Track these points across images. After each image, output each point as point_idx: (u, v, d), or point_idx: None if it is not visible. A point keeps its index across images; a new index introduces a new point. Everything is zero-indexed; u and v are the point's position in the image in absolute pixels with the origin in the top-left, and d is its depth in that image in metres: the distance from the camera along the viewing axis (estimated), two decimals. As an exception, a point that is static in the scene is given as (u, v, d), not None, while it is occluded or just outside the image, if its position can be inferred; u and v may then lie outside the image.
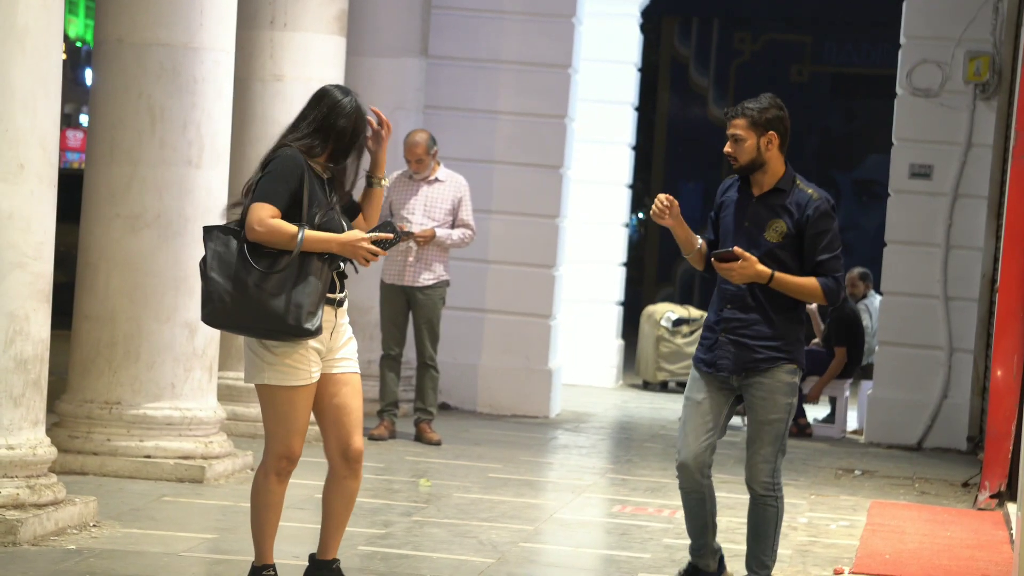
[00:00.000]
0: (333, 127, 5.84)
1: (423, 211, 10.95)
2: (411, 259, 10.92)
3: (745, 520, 6.58)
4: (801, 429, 13.22)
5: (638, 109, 16.52)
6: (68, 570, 6.55)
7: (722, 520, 7.04)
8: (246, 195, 5.84)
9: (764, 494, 6.40)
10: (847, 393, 13.77)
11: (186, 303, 8.75)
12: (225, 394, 10.05)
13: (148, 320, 8.70)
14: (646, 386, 16.41)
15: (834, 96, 25.58)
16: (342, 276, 5.89)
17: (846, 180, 25.80)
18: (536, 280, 13.31)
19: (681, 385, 16.34)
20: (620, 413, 14.35)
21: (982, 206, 13.02)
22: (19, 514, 6.94)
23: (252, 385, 5.90)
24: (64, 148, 31.45)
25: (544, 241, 13.34)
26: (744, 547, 6.62)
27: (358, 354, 6.02)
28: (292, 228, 5.68)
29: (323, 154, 5.86)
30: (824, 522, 9.04)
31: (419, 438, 11.11)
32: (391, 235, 5.80)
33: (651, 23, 19.72)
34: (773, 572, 6.57)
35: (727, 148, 6.28)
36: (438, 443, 11.04)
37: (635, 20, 16.15)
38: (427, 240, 10.84)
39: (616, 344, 16.22)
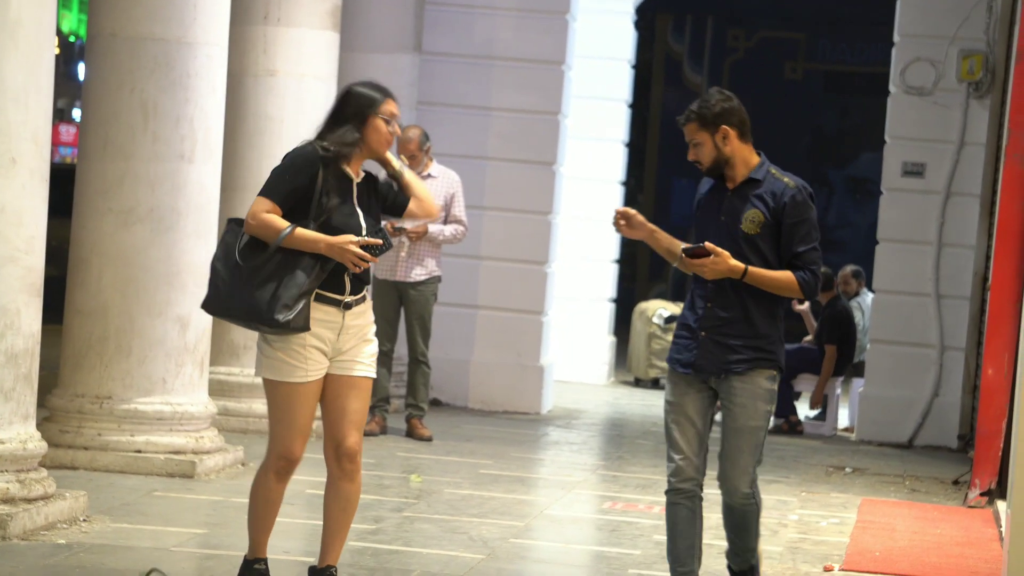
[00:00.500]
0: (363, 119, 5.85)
1: (416, 207, 10.94)
2: (403, 255, 10.92)
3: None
4: (792, 426, 13.23)
5: (632, 106, 16.52)
6: (58, 564, 6.55)
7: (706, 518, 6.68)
8: None
9: (744, 503, 6.13)
10: (838, 391, 13.78)
11: (178, 298, 8.75)
12: (216, 389, 10.05)
13: (140, 315, 8.70)
14: (638, 383, 16.41)
15: (828, 94, 25.57)
16: (356, 278, 5.81)
17: (839, 178, 25.81)
18: (528, 276, 13.31)
19: (673, 382, 16.32)
20: (612, 410, 14.36)
21: (975, 204, 13.03)
22: (9, 508, 6.94)
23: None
24: (56, 143, 31.42)
25: (537, 237, 13.34)
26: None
27: None
28: (281, 224, 5.67)
29: (355, 156, 5.82)
30: (814, 519, 9.05)
31: (410, 434, 11.11)
32: (380, 241, 5.74)
33: (645, 20, 19.71)
34: (762, 570, 6.50)
35: (689, 155, 6.13)
36: (429, 439, 11.05)
37: (629, 17, 16.15)
38: (419, 236, 10.85)
39: (608, 341, 16.22)
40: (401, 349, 11.65)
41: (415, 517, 8.23)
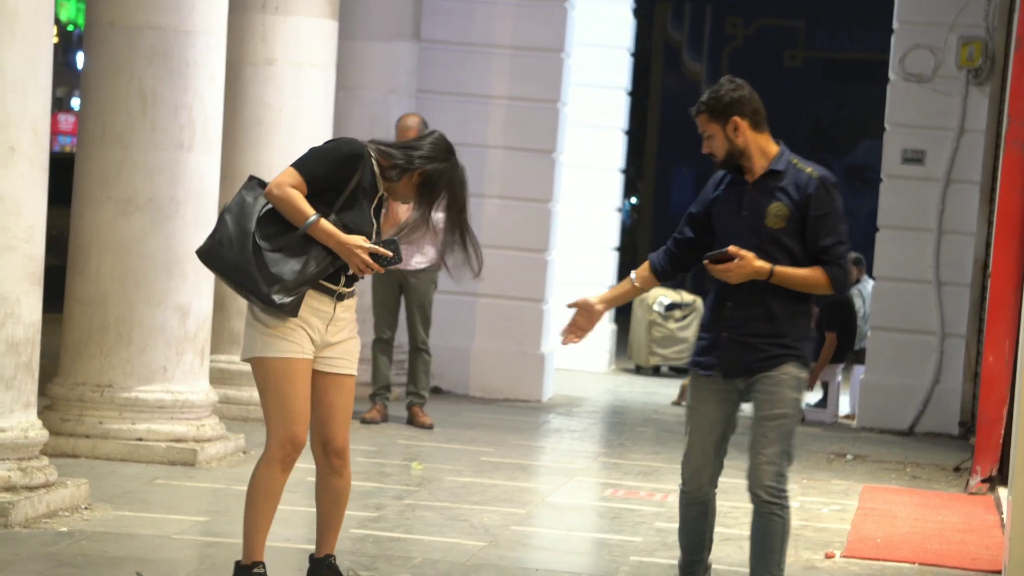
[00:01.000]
0: (412, 164, 5.79)
1: (415, 195, 10.93)
2: (403, 243, 10.89)
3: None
4: (793, 414, 13.22)
5: (631, 94, 16.51)
6: (60, 552, 6.55)
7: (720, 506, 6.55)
8: None
9: (769, 501, 5.73)
10: (839, 378, 13.78)
11: (178, 286, 8.74)
12: (217, 377, 10.05)
13: (140, 303, 8.69)
14: (638, 370, 16.42)
15: (827, 81, 25.59)
16: (351, 276, 5.77)
17: (839, 165, 25.81)
18: (529, 264, 13.31)
19: (674, 370, 16.37)
20: (612, 397, 14.36)
21: (974, 191, 13.02)
22: (11, 496, 6.94)
23: (245, 368, 5.88)
24: (55, 132, 31.40)
25: (537, 225, 13.34)
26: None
27: None
28: (307, 209, 5.59)
29: (397, 179, 5.78)
30: (816, 506, 9.05)
31: (411, 422, 11.11)
32: (391, 253, 5.70)
33: (644, 8, 19.69)
34: None
35: (703, 148, 5.86)
36: (430, 427, 11.05)
37: (628, 5, 16.14)
38: (419, 224, 10.82)
39: (609, 328, 16.23)
40: (402, 337, 11.65)
41: (416, 505, 8.23)
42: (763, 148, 5.80)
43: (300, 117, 10.63)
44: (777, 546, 5.78)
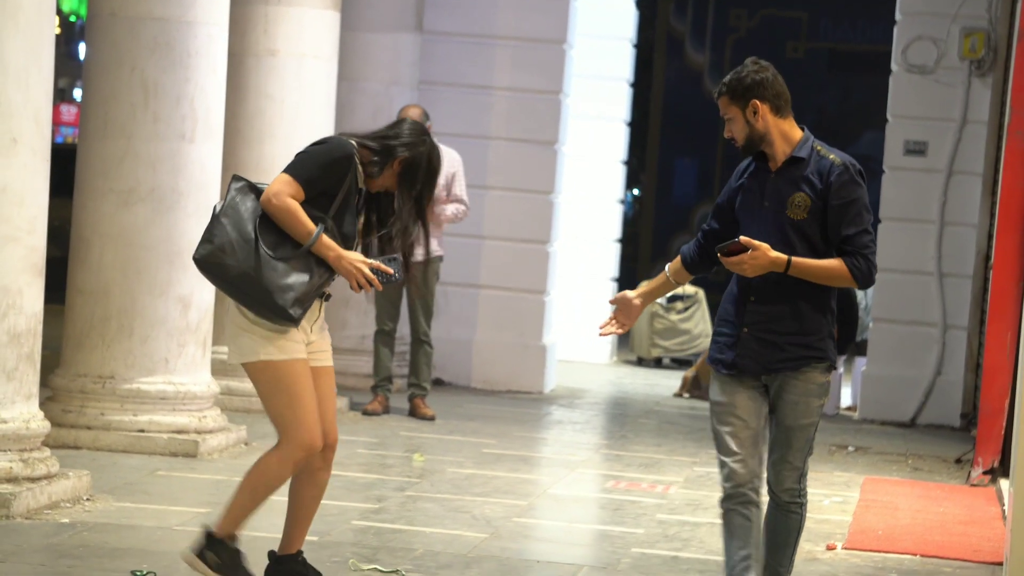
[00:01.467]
0: (393, 154, 5.64)
1: (417, 186, 10.93)
2: (401, 238, 10.88)
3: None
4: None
5: (633, 85, 16.50)
6: (61, 543, 6.56)
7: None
8: None
9: (789, 501, 5.61)
10: (841, 370, 13.78)
11: (180, 277, 8.74)
12: (219, 369, 10.05)
13: (142, 294, 8.69)
14: (640, 362, 16.42)
15: (830, 73, 25.54)
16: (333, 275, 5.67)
17: (841, 157, 25.76)
18: (531, 256, 13.30)
19: (676, 362, 16.37)
20: (614, 389, 14.36)
21: (977, 183, 13.02)
22: (12, 487, 6.94)
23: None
24: (58, 122, 31.40)
25: (539, 217, 13.33)
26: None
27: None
28: (308, 223, 5.47)
29: (379, 172, 5.65)
30: (817, 498, 9.05)
31: (413, 413, 11.11)
32: (392, 271, 5.59)
33: (647, -1, 19.68)
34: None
35: (725, 132, 5.64)
36: (432, 418, 11.05)
37: (631, -4, 16.11)
38: (421, 215, 10.82)
39: (610, 320, 16.20)
40: (404, 329, 11.65)
41: (418, 496, 8.24)
42: (785, 134, 5.57)
43: (302, 109, 10.63)
44: (792, 541, 5.66)
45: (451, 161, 11.05)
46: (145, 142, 8.67)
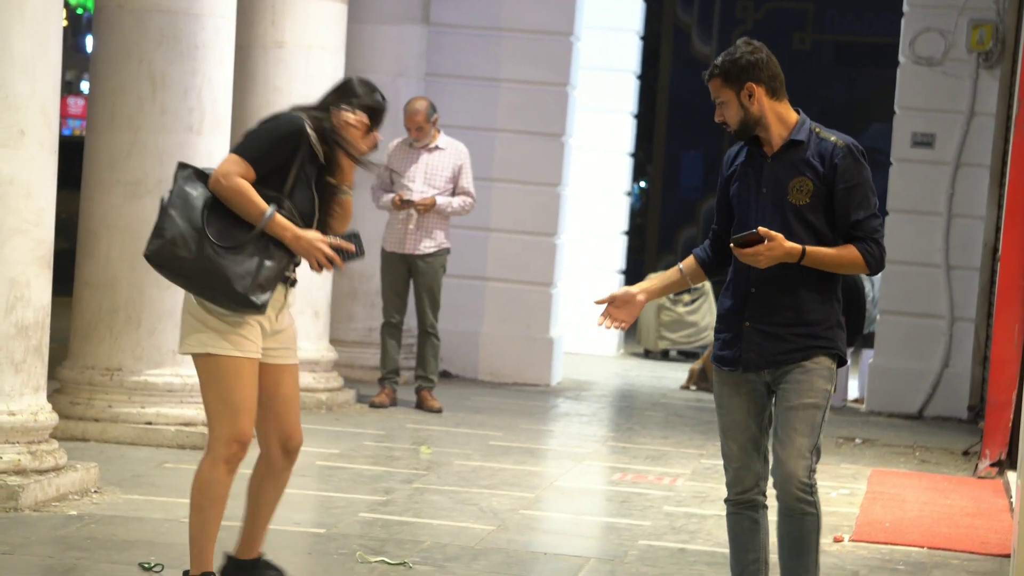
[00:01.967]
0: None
1: (423, 179, 10.94)
2: (412, 227, 10.90)
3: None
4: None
5: (640, 77, 16.48)
6: (69, 535, 6.57)
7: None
8: None
9: (799, 499, 5.23)
10: (848, 362, 13.76)
11: (187, 270, 8.73)
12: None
13: (149, 287, 8.69)
14: (647, 355, 16.41)
15: (837, 65, 25.51)
16: (298, 261, 5.45)
17: (848, 149, 25.72)
18: (538, 248, 13.30)
19: (683, 354, 16.36)
20: (621, 381, 14.36)
21: (984, 175, 13.00)
22: (20, 480, 6.95)
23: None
24: (65, 115, 31.41)
25: (546, 209, 13.32)
26: None
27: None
28: (260, 203, 5.28)
29: (338, 139, 5.47)
30: (824, 490, 9.01)
31: (420, 406, 11.12)
32: (353, 247, 5.35)
33: (653, -9, 19.64)
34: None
35: (716, 116, 5.35)
36: (439, 411, 11.05)
37: (637, -13, 16.09)
38: (427, 208, 10.83)
39: (617, 312, 16.18)
40: (410, 321, 11.65)
41: (425, 489, 8.24)
42: (781, 116, 5.31)
43: (309, 100, 10.60)
44: (812, 545, 5.29)
45: (458, 153, 11.05)
46: (153, 134, 8.68)
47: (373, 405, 10.97)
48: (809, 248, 5.20)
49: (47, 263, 7.15)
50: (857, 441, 11.30)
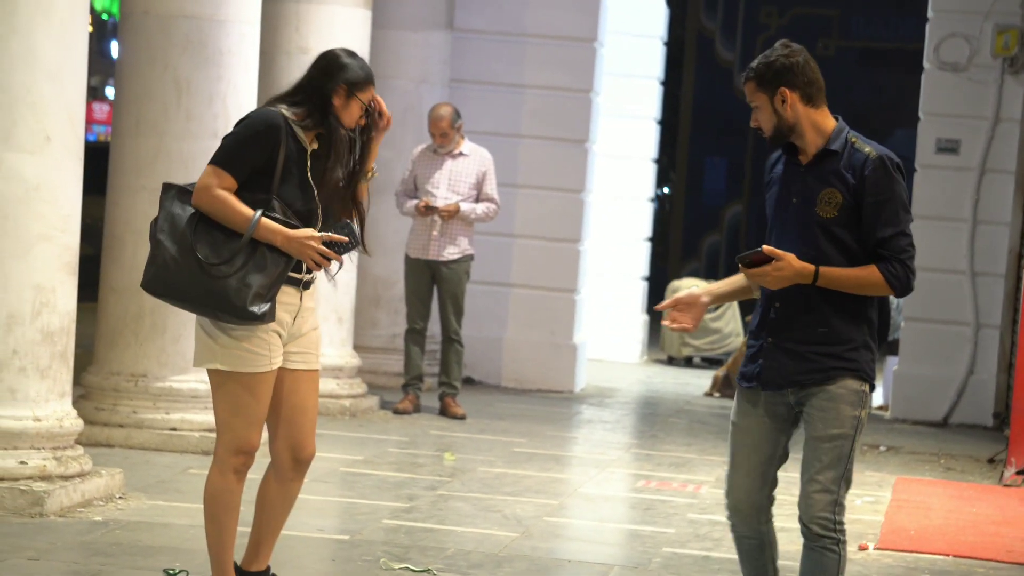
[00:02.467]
0: (322, 88, 5.19)
1: (447, 185, 10.95)
2: (435, 233, 10.91)
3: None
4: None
5: (664, 83, 16.47)
6: (94, 541, 6.58)
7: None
8: None
9: (823, 535, 5.00)
10: (876, 386, 13.73)
11: (212, 276, 8.74)
12: (250, 367, 10.06)
13: (174, 293, 8.69)
14: (671, 361, 16.39)
15: (861, 70, 25.48)
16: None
17: (872, 155, 25.68)
18: (561, 254, 13.29)
19: (706, 360, 16.34)
20: (645, 388, 14.34)
21: (1009, 181, 12.96)
22: (46, 485, 6.97)
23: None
24: (90, 120, 31.49)
25: (569, 215, 13.32)
26: None
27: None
28: (245, 210, 5.10)
29: (316, 124, 5.21)
30: (849, 498, 8.96)
31: (444, 412, 11.11)
32: (346, 238, 5.15)
33: (677, -3, 19.66)
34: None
35: (752, 121, 5.10)
36: (463, 417, 11.05)
37: (661, -6, 16.08)
38: (451, 214, 10.84)
39: (641, 319, 16.20)
40: (434, 327, 11.65)
41: (449, 495, 8.24)
42: (817, 124, 5.02)
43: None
44: None
45: (482, 160, 11.06)
46: (178, 140, 8.69)
47: (397, 411, 10.97)
48: (823, 268, 4.94)
49: (72, 269, 7.16)
50: (882, 448, 11.27)
